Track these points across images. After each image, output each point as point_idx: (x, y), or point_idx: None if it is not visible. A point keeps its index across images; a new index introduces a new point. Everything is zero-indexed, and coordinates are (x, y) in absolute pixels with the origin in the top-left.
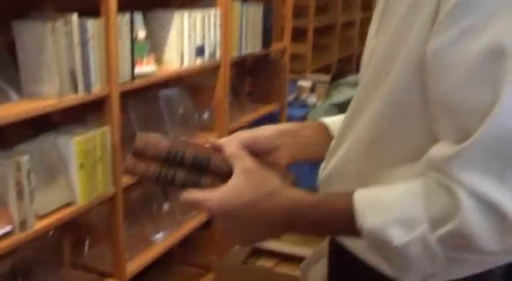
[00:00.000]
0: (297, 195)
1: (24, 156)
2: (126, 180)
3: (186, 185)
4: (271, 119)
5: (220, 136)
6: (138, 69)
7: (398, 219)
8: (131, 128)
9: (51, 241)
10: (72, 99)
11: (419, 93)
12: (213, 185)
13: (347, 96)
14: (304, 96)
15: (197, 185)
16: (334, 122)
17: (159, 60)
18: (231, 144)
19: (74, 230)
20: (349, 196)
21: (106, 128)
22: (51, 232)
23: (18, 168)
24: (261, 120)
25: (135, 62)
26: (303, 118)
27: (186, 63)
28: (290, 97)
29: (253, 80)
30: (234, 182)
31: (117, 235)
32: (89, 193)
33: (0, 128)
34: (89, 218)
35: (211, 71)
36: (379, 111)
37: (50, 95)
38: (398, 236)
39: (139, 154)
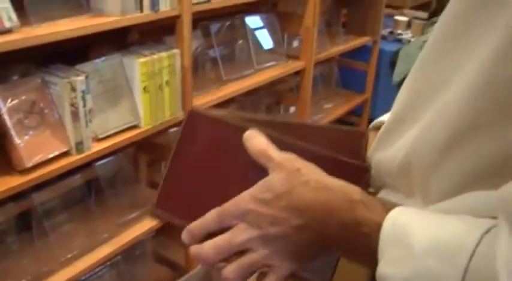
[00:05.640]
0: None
1: (79, 76)
2: (198, 103)
3: None
4: (363, 52)
5: (306, 66)
6: None
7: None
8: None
9: (127, 160)
10: (136, 17)
11: None
12: None
13: None
14: (399, 31)
15: None
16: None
17: None
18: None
19: (151, 151)
20: (379, 214)
21: (176, 51)
22: (127, 150)
23: (73, 88)
24: (352, 52)
25: None
26: (395, 53)
27: None
28: (385, 31)
29: (349, 11)
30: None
31: None
32: (153, 116)
33: (73, 45)
34: (165, 139)
35: None
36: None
37: (113, 12)
38: None
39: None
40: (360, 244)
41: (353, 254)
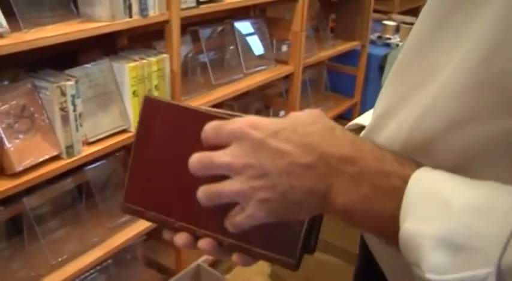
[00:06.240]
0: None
1: (69, 81)
2: None
3: None
4: (352, 56)
5: (294, 70)
6: None
7: (452, 239)
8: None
9: (117, 164)
10: (125, 22)
11: None
12: None
13: None
14: (387, 35)
15: None
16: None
17: None
18: None
19: None
20: (411, 168)
21: (165, 56)
22: (117, 154)
23: (63, 93)
24: (341, 57)
25: None
26: (384, 57)
27: None
28: (373, 36)
29: (337, 16)
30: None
31: None
32: None
33: (62, 50)
34: None
35: (288, 4)
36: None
37: (102, 17)
38: (439, 266)
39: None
40: (381, 199)
41: (361, 213)
